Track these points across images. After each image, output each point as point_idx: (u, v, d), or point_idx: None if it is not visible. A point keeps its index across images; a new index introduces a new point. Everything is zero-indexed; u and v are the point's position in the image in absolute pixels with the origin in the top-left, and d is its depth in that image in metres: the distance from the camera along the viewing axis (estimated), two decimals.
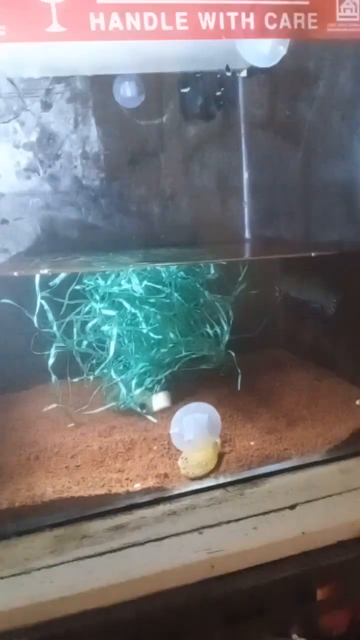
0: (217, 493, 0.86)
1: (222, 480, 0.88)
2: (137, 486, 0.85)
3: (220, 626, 0.75)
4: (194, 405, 0.89)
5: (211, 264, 1.15)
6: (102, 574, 0.71)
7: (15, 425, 1.07)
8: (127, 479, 0.87)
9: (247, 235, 1.29)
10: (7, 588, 0.69)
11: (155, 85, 1.04)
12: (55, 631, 0.67)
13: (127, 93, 1.09)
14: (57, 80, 0.91)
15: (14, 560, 0.73)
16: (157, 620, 0.71)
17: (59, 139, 0.92)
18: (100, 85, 0.98)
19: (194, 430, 0.88)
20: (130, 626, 0.69)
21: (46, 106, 0.89)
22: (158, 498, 0.85)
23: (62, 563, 0.73)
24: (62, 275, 1.00)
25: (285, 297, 1.29)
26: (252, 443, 0.95)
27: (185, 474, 0.88)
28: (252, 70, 1.11)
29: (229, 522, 0.79)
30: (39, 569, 0.72)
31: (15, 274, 0.89)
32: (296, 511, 0.81)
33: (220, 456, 0.92)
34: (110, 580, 0.70)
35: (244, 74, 1.13)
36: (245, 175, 1.27)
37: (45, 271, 0.91)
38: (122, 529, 0.79)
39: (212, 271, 1.14)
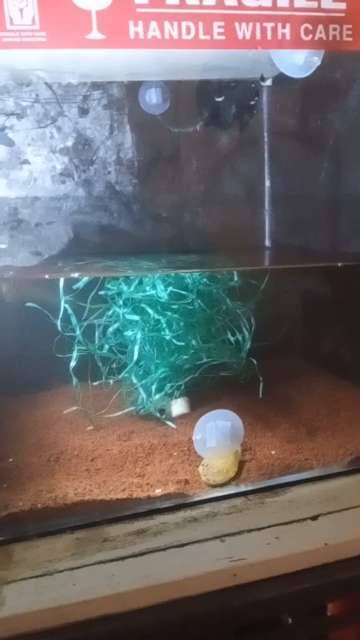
0: (238, 501, 0.86)
1: (243, 488, 0.88)
2: (158, 491, 0.85)
3: (240, 636, 0.75)
4: (217, 412, 0.89)
5: (234, 271, 1.16)
6: (124, 579, 0.71)
7: (36, 426, 1.08)
8: (147, 483, 0.87)
9: (267, 243, 1.30)
10: (30, 590, 0.69)
11: (188, 92, 1.04)
12: (75, 635, 0.67)
13: (152, 99, 1.10)
14: (95, 86, 0.91)
15: (36, 562, 0.73)
16: (177, 627, 0.70)
17: (95, 145, 0.93)
18: (137, 92, 0.99)
19: (216, 438, 0.88)
20: (150, 632, 0.69)
21: (83, 112, 0.90)
22: (179, 504, 0.85)
23: (84, 566, 0.73)
24: (86, 278, 1.01)
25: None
26: (273, 452, 0.95)
27: (206, 481, 0.88)
28: (277, 80, 1.12)
29: (250, 530, 0.79)
30: (61, 571, 0.72)
31: (47, 276, 0.90)
32: (318, 522, 0.80)
33: (241, 464, 0.92)
34: (131, 585, 0.70)
35: (269, 82, 1.14)
36: (267, 183, 1.27)
37: (75, 274, 0.92)
38: (143, 533, 0.79)
39: (235, 278, 1.14)
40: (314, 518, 0.81)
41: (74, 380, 1.07)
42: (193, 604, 0.71)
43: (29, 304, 1.01)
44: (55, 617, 0.67)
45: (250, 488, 0.88)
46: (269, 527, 0.79)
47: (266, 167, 1.26)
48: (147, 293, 1.07)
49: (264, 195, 1.27)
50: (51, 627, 0.66)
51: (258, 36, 0.74)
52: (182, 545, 0.76)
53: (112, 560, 0.74)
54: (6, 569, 0.72)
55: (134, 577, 0.71)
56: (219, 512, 0.83)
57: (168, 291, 1.06)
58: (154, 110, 1.09)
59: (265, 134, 1.25)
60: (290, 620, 0.78)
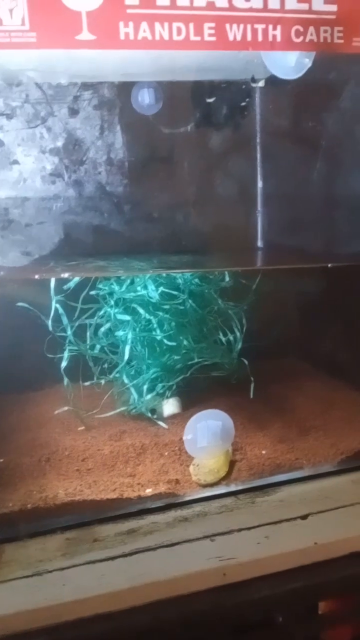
0: (229, 500, 0.86)
1: (233, 488, 0.88)
2: (149, 491, 0.85)
3: (230, 635, 0.75)
4: (208, 412, 0.89)
5: (225, 272, 1.16)
6: (114, 579, 0.71)
7: (27, 426, 1.07)
8: (138, 483, 0.87)
9: (259, 244, 1.30)
10: (21, 590, 0.69)
11: (179, 93, 1.04)
12: (66, 634, 0.67)
13: (145, 100, 1.10)
14: (85, 87, 0.91)
15: (27, 562, 0.74)
16: (168, 626, 0.71)
17: (85, 145, 0.92)
18: (127, 92, 0.99)
19: (207, 437, 0.89)
20: (142, 632, 0.69)
21: (73, 112, 0.90)
22: (169, 504, 0.85)
23: (74, 566, 0.73)
24: (77, 279, 1.01)
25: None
26: (263, 452, 0.95)
27: (197, 481, 0.88)
28: (270, 81, 1.12)
29: (240, 530, 0.79)
30: (51, 572, 0.72)
31: (37, 276, 0.90)
32: (308, 521, 0.81)
33: (232, 464, 0.92)
34: (122, 585, 0.70)
35: (261, 84, 1.14)
36: (260, 184, 1.28)
37: (66, 274, 0.92)
38: (134, 533, 0.79)
39: (227, 279, 1.15)
40: (304, 517, 0.81)
41: (66, 380, 1.07)
42: (184, 603, 0.71)
43: (20, 303, 1.01)
44: (46, 617, 0.67)
45: (240, 487, 0.88)
46: (259, 526, 0.79)
47: (259, 168, 1.27)
48: (139, 293, 1.07)
49: (257, 195, 1.28)
50: (41, 627, 0.66)
51: (249, 37, 0.74)
52: (173, 544, 0.76)
53: (102, 560, 0.74)
54: None
55: (124, 576, 0.71)
56: (210, 512, 0.84)
57: (159, 291, 1.06)
58: (146, 110, 1.09)
59: (258, 135, 1.25)
60: (281, 619, 0.78)
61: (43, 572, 0.72)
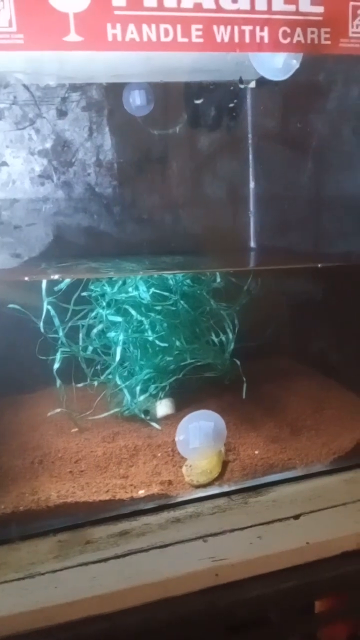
0: (221, 501, 0.86)
1: (226, 488, 0.88)
2: (141, 492, 0.85)
3: (223, 635, 0.75)
4: (199, 413, 0.89)
5: (217, 273, 1.16)
6: (106, 580, 0.71)
7: (20, 428, 1.07)
8: (131, 485, 0.87)
9: (252, 244, 1.30)
10: (12, 592, 0.69)
11: (168, 94, 1.05)
12: (59, 637, 0.67)
13: (136, 101, 1.10)
14: (73, 88, 0.92)
15: (18, 565, 0.73)
16: (161, 627, 0.70)
17: (74, 147, 0.93)
18: (116, 94, 0.99)
19: (200, 438, 0.89)
20: (135, 633, 0.69)
21: (62, 114, 0.90)
22: (162, 505, 0.85)
23: (66, 568, 0.73)
24: (68, 280, 1.01)
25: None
26: (256, 452, 0.95)
27: (190, 482, 0.88)
28: (261, 82, 1.12)
29: (233, 530, 0.79)
30: (43, 574, 0.72)
31: (26, 278, 0.90)
32: (300, 521, 0.81)
33: (225, 464, 0.92)
34: (114, 587, 0.70)
35: (252, 85, 1.15)
36: (252, 185, 1.28)
37: (56, 276, 0.92)
38: (126, 535, 0.79)
39: (218, 280, 1.15)
40: (297, 517, 0.81)
41: (58, 382, 1.06)
42: (177, 604, 0.71)
43: (11, 305, 1.01)
44: (39, 619, 0.67)
45: (233, 488, 0.88)
46: (251, 526, 0.80)
47: (251, 169, 1.27)
48: (130, 294, 1.07)
49: (249, 197, 1.28)
50: (34, 629, 0.66)
51: (236, 39, 0.74)
52: (165, 546, 0.76)
53: (94, 562, 0.74)
54: None
55: (116, 578, 0.71)
56: (202, 513, 0.84)
57: (151, 292, 1.06)
58: (138, 112, 1.09)
59: (250, 136, 1.26)
60: (275, 619, 0.78)
61: (35, 575, 0.72)
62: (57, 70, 0.86)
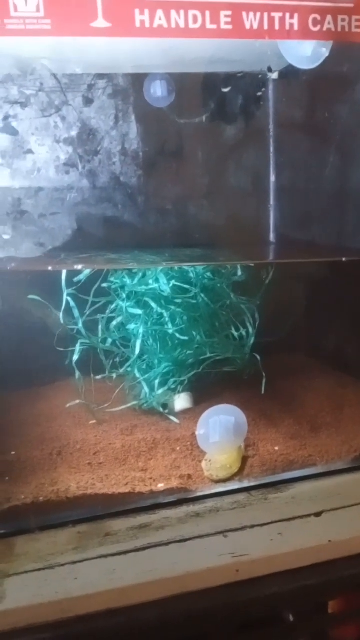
0: (241, 497, 0.85)
1: (246, 484, 0.88)
2: (161, 486, 0.85)
3: (241, 632, 0.75)
4: (221, 407, 0.89)
5: (238, 266, 1.15)
6: (125, 574, 0.70)
7: (38, 420, 1.07)
8: (150, 478, 0.87)
9: (272, 238, 1.29)
10: (32, 583, 0.69)
11: (192, 85, 1.03)
12: (76, 629, 0.67)
13: (157, 93, 1.09)
14: (100, 76, 0.90)
15: (38, 555, 0.73)
16: (179, 622, 0.70)
17: (99, 135, 0.91)
18: (142, 82, 0.97)
19: (220, 433, 0.88)
20: (152, 627, 0.69)
21: (88, 102, 0.89)
22: (181, 499, 0.84)
23: (86, 560, 0.73)
24: (87, 271, 1.00)
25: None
26: (276, 448, 0.94)
27: (209, 476, 0.87)
28: (283, 72, 1.10)
29: (253, 526, 0.78)
30: (62, 565, 0.72)
31: (50, 268, 0.89)
32: (322, 518, 0.79)
33: (244, 460, 0.91)
34: (133, 580, 0.69)
35: (275, 75, 1.13)
36: (273, 177, 1.26)
37: (79, 266, 0.91)
38: (146, 528, 0.79)
39: (240, 273, 1.14)
40: (318, 515, 0.80)
41: (77, 373, 1.06)
42: (195, 600, 0.70)
43: (31, 296, 1.01)
44: (57, 611, 0.66)
45: (253, 484, 0.88)
46: (272, 523, 0.79)
47: (272, 161, 1.25)
48: (151, 286, 1.06)
49: (269, 189, 1.26)
50: (52, 621, 0.66)
51: (266, 26, 0.72)
52: (185, 540, 0.76)
53: (114, 555, 0.73)
54: (8, 562, 0.72)
55: (135, 571, 0.70)
56: (222, 508, 0.83)
57: (171, 285, 1.05)
58: (159, 103, 1.08)
59: (272, 127, 1.24)
60: (292, 617, 0.77)
61: (55, 566, 0.71)
62: (81, 58, 0.84)
